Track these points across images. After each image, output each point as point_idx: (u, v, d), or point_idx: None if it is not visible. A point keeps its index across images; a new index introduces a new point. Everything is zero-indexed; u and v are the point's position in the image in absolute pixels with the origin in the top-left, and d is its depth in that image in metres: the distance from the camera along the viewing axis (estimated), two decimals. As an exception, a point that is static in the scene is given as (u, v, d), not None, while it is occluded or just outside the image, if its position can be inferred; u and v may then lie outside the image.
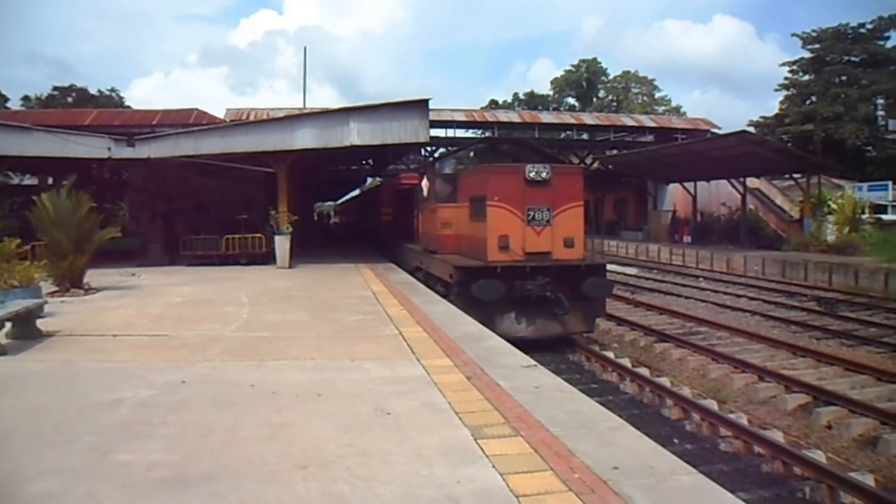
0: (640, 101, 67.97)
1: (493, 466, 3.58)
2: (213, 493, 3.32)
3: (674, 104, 68.17)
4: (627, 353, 11.16)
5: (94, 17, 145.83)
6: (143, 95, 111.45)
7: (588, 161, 36.72)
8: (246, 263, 16.93)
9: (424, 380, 5.45)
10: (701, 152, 26.90)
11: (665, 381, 9.25)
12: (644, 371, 9.76)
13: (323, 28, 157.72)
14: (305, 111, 22.54)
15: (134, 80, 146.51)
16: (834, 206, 25.51)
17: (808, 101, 47.32)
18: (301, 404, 4.84)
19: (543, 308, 10.66)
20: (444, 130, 34.99)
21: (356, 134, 15.37)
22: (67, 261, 11.26)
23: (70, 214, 11.56)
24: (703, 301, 16.41)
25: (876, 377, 9.10)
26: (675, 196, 35.87)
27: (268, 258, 16.83)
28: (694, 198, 31.92)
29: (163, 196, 20.17)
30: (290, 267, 15.93)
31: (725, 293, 17.75)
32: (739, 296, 17.22)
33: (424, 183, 15.27)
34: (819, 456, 6.52)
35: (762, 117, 52.56)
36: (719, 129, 35.37)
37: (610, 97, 69.62)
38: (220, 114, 28.06)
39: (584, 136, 38.74)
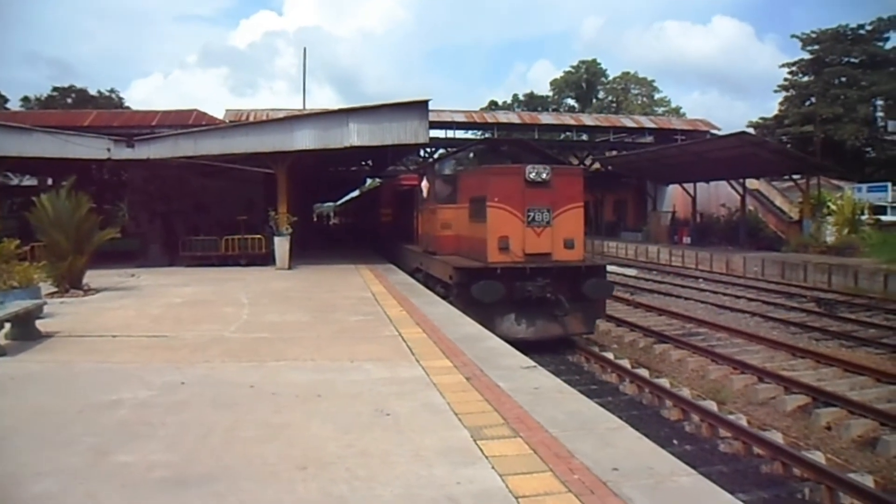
0: (639, 102, 68.00)
1: (493, 467, 3.59)
2: (212, 493, 3.33)
3: (673, 105, 68.34)
4: (627, 354, 11.16)
5: (94, 18, 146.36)
6: (142, 96, 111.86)
7: (588, 162, 36.72)
8: (245, 264, 16.93)
9: (424, 381, 5.46)
10: (700, 153, 26.88)
11: (664, 382, 9.26)
12: (643, 372, 9.76)
13: (323, 29, 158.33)
14: (305, 112, 22.49)
15: (133, 80, 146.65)
16: (833, 207, 25.50)
17: (807, 103, 47.25)
18: (301, 405, 4.84)
19: (543, 309, 10.64)
20: (443, 131, 34.95)
21: (356, 135, 15.37)
22: (67, 261, 11.27)
23: (69, 215, 11.56)
24: (702, 302, 16.41)
25: (875, 378, 9.11)
26: (674, 197, 35.88)
27: (267, 259, 16.82)
28: (693, 199, 31.93)
29: (162, 197, 20.18)
30: (290, 268, 15.94)
31: (725, 294, 17.76)
32: (739, 297, 17.23)
33: (424, 184, 15.26)
34: (818, 457, 6.53)
35: (761, 118, 52.57)
36: (719, 130, 35.34)
37: (609, 98, 69.66)
38: (219, 115, 28.02)
39: (584, 137, 38.68)
